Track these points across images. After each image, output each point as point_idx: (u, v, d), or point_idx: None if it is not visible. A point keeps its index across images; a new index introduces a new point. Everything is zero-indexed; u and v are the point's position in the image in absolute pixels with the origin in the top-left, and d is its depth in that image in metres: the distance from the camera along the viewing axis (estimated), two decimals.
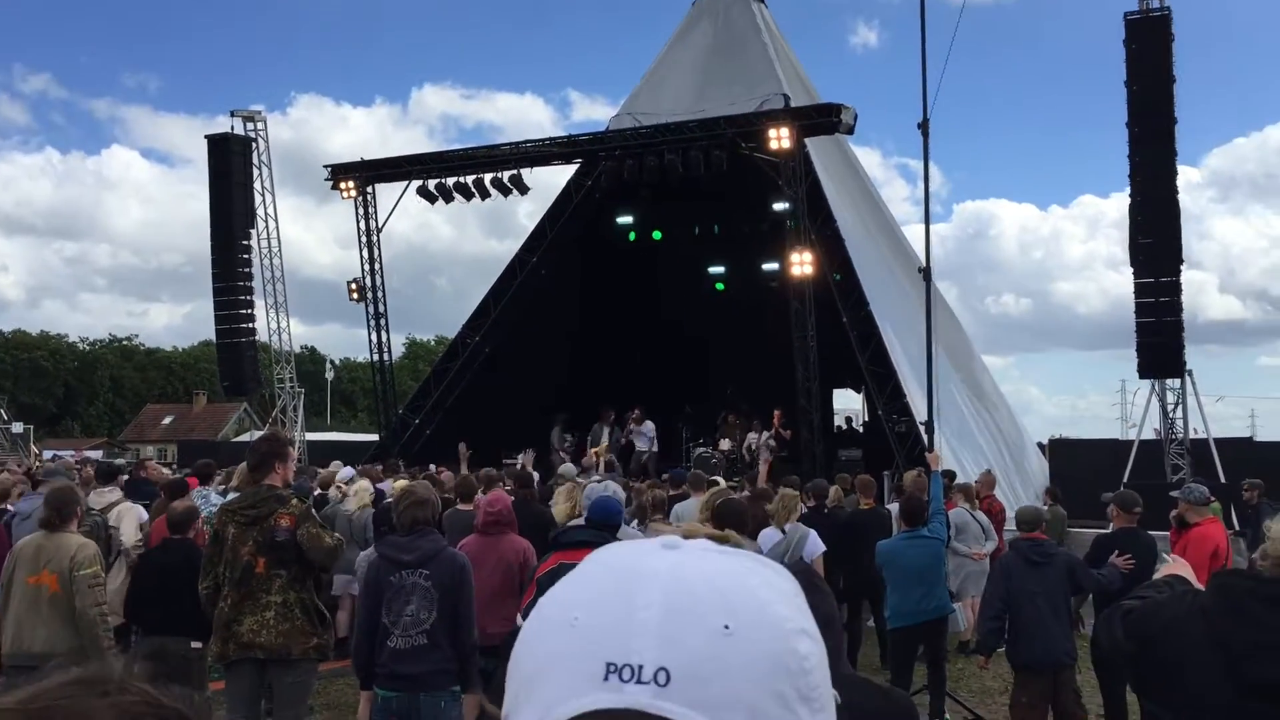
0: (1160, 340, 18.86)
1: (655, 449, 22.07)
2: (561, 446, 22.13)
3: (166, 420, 71.14)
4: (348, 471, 13.60)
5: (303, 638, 6.16)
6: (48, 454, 34.35)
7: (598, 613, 0.84)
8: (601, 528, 5.98)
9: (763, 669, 0.82)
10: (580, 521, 7.55)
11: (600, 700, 0.80)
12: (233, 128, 27.22)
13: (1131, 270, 19.20)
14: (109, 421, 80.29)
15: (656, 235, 25.90)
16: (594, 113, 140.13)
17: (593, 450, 21.42)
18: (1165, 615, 2.26)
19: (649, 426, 22.15)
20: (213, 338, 28.35)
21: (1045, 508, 14.98)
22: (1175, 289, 18.94)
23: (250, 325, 27.12)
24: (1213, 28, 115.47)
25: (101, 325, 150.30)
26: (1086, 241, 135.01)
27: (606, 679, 0.80)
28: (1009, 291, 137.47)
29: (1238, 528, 14.39)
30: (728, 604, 0.83)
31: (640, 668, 0.80)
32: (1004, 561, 8.25)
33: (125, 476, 12.82)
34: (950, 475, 14.07)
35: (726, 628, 0.82)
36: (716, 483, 12.25)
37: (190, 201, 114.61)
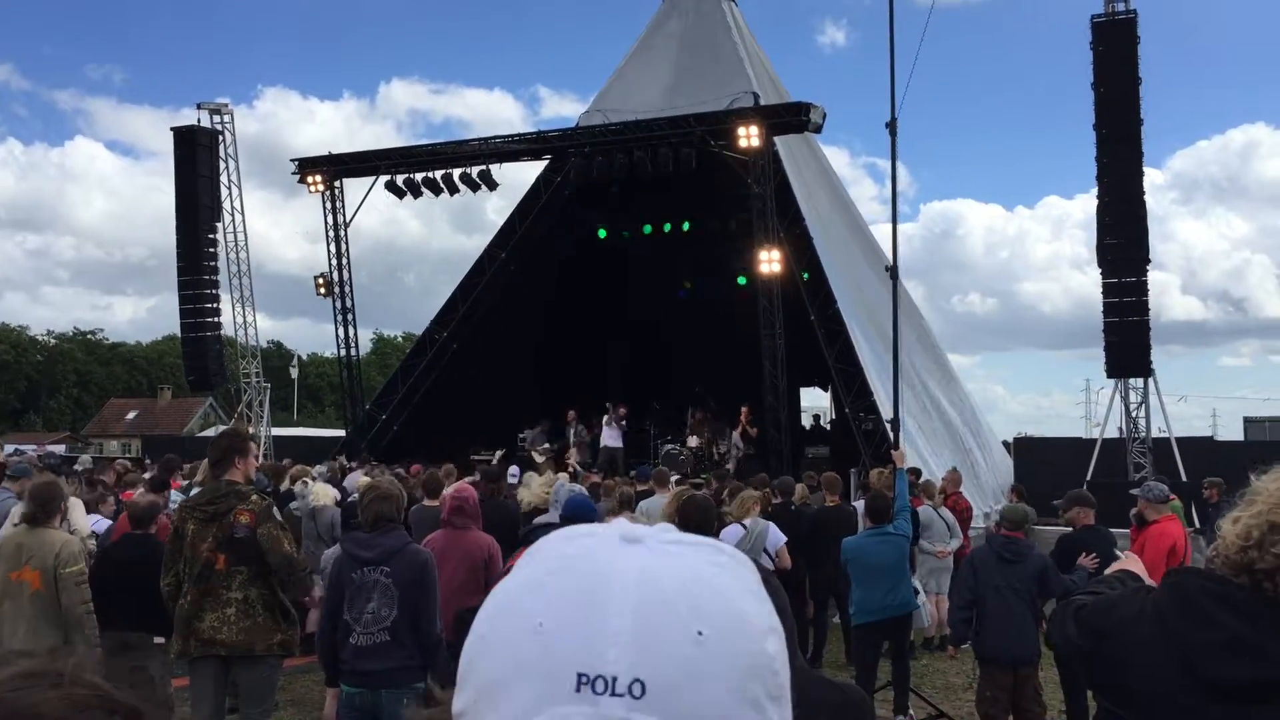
0: (1127, 340, 19.06)
1: (619, 444, 22.04)
2: (535, 448, 22.07)
3: (131, 415, 70.43)
4: (320, 468, 13.50)
5: (266, 634, 6.11)
6: (9, 448, 33.94)
7: (566, 620, 0.81)
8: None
9: (736, 675, 0.81)
10: (553, 518, 7.57)
11: (574, 713, 0.78)
12: (199, 120, 27.04)
13: (1099, 270, 19.40)
14: (72, 416, 79.45)
15: (625, 233, 25.88)
16: (563, 109, 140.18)
17: (569, 452, 21.48)
18: (1116, 613, 2.28)
19: (620, 420, 22.13)
20: (178, 332, 28.11)
21: (1010, 505, 15.11)
22: (1142, 289, 19.15)
23: (216, 319, 26.94)
24: (1174, 31, 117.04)
25: (65, 318, 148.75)
26: (1052, 242, 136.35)
27: (579, 690, 0.78)
28: (975, 291, 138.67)
29: (1198, 526, 14.55)
30: (699, 609, 0.82)
31: (614, 679, 0.78)
32: (975, 554, 8.32)
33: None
34: (915, 473, 14.15)
35: (700, 634, 0.81)
36: (682, 480, 12.31)
37: (155, 194, 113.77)
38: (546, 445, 22.24)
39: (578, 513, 6.19)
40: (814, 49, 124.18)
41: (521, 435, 22.63)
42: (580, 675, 0.78)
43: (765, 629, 0.85)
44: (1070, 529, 9.07)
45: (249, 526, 6.05)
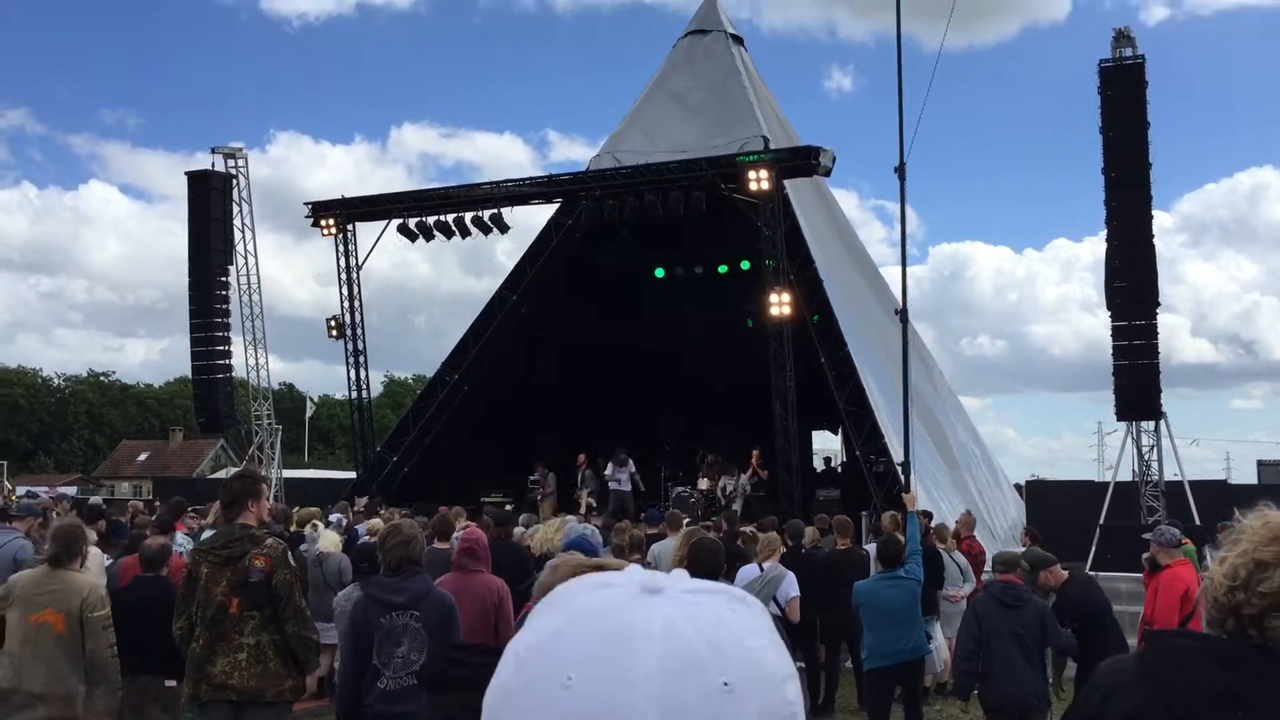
0: (1137, 383, 19.01)
1: (632, 488, 22.02)
2: (539, 484, 22.10)
3: (142, 456, 70.48)
4: (336, 516, 13.50)
5: (277, 680, 6.09)
6: (21, 490, 33.99)
7: (593, 676, 0.82)
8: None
9: None
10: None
11: None
12: (214, 164, 27.26)
13: (1108, 313, 19.38)
14: (84, 457, 79.56)
15: (636, 276, 25.98)
16: (572, 153, 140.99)
17: (578, 494, 21.51)
18: (1107, 680, 2.25)
19: (629, 467, 22.12)
20: (189, 374, 28.21)
21: (1024, 549, 15.01)
22: (1151, 332, 19.11)
23: (227, 362, 27.03)
24: (1182, 76, 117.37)
25: (78, 360, 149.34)
26: (1061, 284, 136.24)
27: None
28: (984, 333, 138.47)
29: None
30: (723, 658, 0.83)
31: None
32: (977, 603, 8.26)
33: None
34: (928, 515, 14.11)
35: (725, 685, 0.82)
36: (694, 522, 12.27)
37: (168, 237, 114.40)
38: (552, 490, 22.24)
39: (577, 546, 6.19)
40: (820, 93, 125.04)
41: (533, 478, 22.61)
42: None
43: (784, 675, 0.87)
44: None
45: (264, 571, 6.02)
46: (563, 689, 0.82)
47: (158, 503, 21.05)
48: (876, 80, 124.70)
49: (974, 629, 7.80)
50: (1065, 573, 8.72)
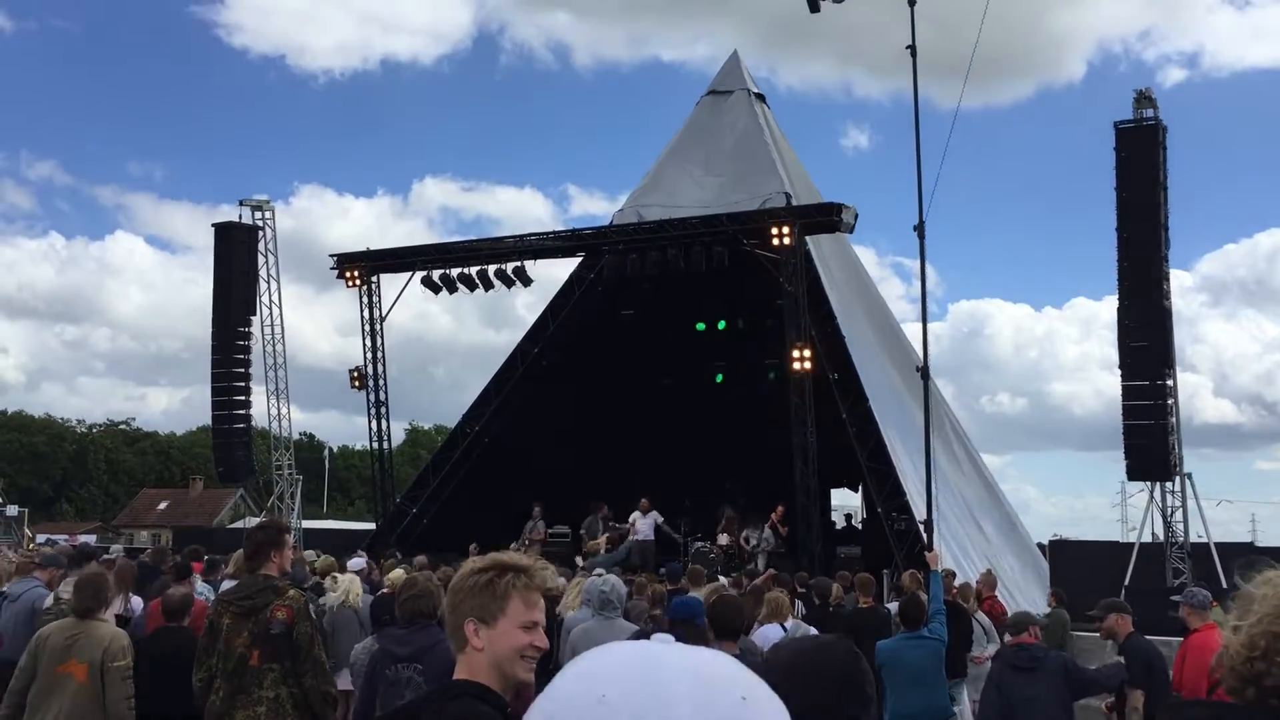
0: (1148, 443, 18.88)
1: (651, 537, 21.91)
2: (529, 535, 22.07)
3: (162, 505, 70.60)
4: (359, 562, 13.46)
5: None
6: (40, 538, 34.08)
7: (628, 690, 0.93)
8: (602, 607, 7.10)
9: None
10: (584, 616, 7.59)
11: None
12: (240, 216, 27.57)
13: (1120, 373, 19.31)
14: (103, 506, 79.80)
15: (657, 329, 26.04)
16: (591, 207, 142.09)
17: (591, 543, 21.38)
18: None
19: (653, 517, 22.03)
20: (210, 423, 28.33)
21: (1049, 609, 14.85)
22: (1164, 392, 19.01)
23: (246, 412, 27.14)
24: (1200, 137, 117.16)
25: (99, 409, 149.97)
26: (1081, 343, 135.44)
27: None
28: (1004, 391, 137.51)
29: None
30: (741, 681, 0.97)
31: None
32: (992, 672, 8.13)
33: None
34: (951, 575, 13.99)
35: (744, 699, 0.95)
36: (716, 578, 12.18)
37: (191, 288, 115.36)
38: (541, 537, 22.16)
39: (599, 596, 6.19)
40: (837, 150, 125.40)
41: (551, 531, 22.54)
42: None
43: (779, 700, 1.00)
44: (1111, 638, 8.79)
45: (286, 623, 6.01)
46: (599, 704, 0.93)
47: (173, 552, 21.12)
48: (892, 139, 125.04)
49: (995, 701, 7.68)
50: (1130, 625, 8.58)
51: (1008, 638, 8.07)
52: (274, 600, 6.07)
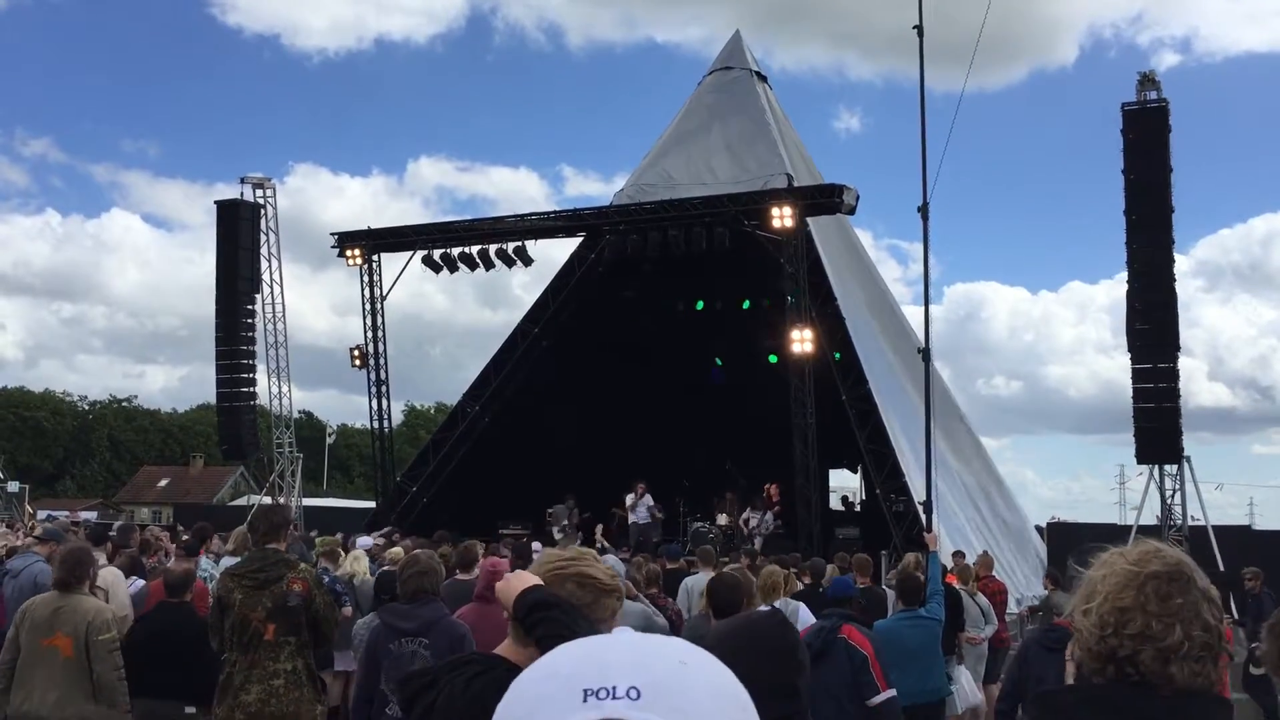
0: (1158, 426, 18.92)
1: (652, 519, 21.96)
2: (559, 524, 22.05)
3: (162, 482, 70.78)
4: (366, 540, 13.51)
5: (310, 705, 6.12)
6: (42, 514, 34.16)
7: (575, 663, 1.03)
8: None
9: (719, 694, 1.03)
10: None
11: (583, 715, 0.97)
12: (241, 194, 27.48)
13: (1129, 356, 19.32)
14: (104, 482, 79.95)
15: (657, 311, 26.05)
16: (586, 188, 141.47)
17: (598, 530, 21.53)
18: None
19: (647, 499, 22.09)
20: (210, 400, 28.45)
21: (1046, 592, 14.89)
22: (1172, 375, 19.05)
23: (251, 390, 27.17)
24: (1193, 121, 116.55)
25: (97, 386, 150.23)
26: (1076, 326, 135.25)
27: (585, 700, 0.98)
28: (1000, 374, 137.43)
29: (1236, 616, 14.31)
30: (682, 650, 1.06)
31: (614, 688, 0.98)
32: (1024, 646, 8.15)
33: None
34: (961, 555, 14.03)
35: (683, 663, 1.03)
36: (725, 560, 12.22)
37: (188, 266, 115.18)
38: (566, 522, 22.21)
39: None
40: (830, 132, 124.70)
41: (550, 510, 22.60)
42: (586, 690, 0.99)
43: (737, 679, 1.07)
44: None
45: (302, 595, 6.07)
46: (551, 678, 1.03)
47: (179, 528, 21.19)
48: (884, 121, 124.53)
49: (1016, 673, 7.70)
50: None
51: (1038, 621, 8.09)
52: (288, 573, 6.14)
